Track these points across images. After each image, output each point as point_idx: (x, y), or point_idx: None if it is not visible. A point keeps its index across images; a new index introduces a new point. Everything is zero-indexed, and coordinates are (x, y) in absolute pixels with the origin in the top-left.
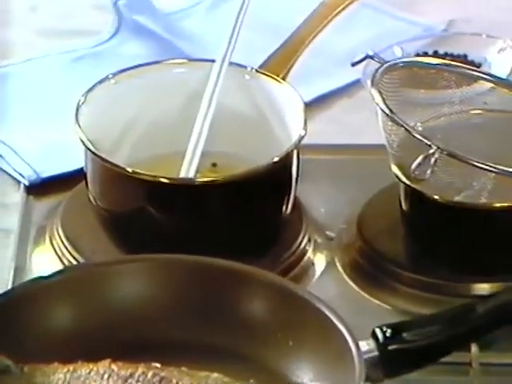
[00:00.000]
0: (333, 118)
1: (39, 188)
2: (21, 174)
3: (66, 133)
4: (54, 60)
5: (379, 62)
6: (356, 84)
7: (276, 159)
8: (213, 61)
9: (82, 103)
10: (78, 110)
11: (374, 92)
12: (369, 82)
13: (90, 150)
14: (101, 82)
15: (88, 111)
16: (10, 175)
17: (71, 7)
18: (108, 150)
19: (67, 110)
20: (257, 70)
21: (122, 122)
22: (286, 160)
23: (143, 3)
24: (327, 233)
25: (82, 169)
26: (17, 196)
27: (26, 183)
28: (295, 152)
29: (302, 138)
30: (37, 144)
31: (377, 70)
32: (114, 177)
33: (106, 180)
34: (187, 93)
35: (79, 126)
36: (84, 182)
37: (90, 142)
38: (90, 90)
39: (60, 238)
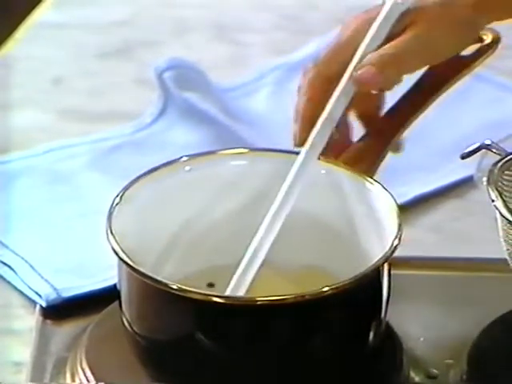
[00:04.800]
0: (436, 225)
1: (59, 310)
2: (37, 293)
3: (94, 241)
4: (82, 151)
5: (499, 154)
6: (467, 182)
7: (361, 274)
8: (281, 151)
9: (117, 204)
10: (111, 212)
11: (492, 192)
12: (484, 180)
13: (126, 263)
14: (140, 177)
15: (124, 214)
16: (23, 294)
17: (104, 81)
18: (148, 263)
19: (97, 212)
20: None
21: (166, 228)
22: (373, 276)
23: (195, 76)
24: (428, 369)
25: (113, 286)
26: (31, 320)
27: (43, 304)
28: (386, 266)
29: (394, 248)
30: (57, 256)
31: (495, 165)
32: (155, 296)
33: (144, 300)
34: (248, 191)
35: (112, 233)
36: (116, 303)
37: (126, 253)
38: (127, 187)
39: (84, 373)
